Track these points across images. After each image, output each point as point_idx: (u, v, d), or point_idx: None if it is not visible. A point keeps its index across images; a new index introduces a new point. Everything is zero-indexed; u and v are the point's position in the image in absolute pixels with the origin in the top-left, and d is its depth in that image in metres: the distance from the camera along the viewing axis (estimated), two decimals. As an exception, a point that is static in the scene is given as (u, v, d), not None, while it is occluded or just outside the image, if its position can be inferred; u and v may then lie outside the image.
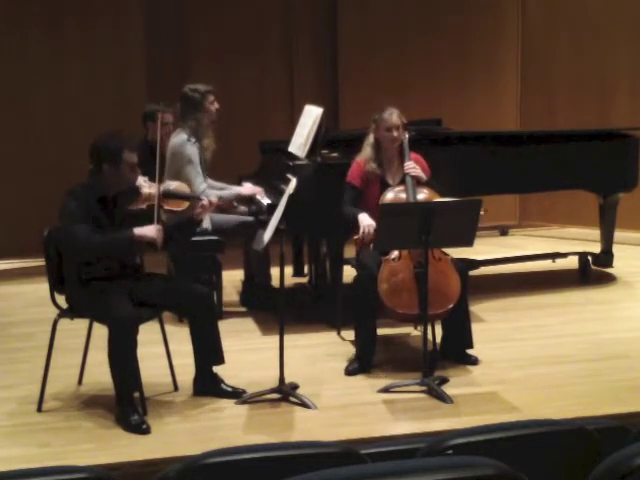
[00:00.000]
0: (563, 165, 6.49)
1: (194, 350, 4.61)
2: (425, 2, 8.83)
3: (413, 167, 5.16)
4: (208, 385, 4.63)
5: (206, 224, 5.78)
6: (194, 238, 5.68)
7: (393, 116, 5.20)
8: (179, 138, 5.86)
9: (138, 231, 4.40)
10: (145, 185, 4.64)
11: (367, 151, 5.28)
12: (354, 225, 5.12)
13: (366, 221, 5.05)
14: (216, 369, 4.65)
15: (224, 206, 5.92)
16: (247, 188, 6.03)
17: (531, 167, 6.45)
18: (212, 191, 5.76)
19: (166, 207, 4.62)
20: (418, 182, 5.17)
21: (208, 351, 4.59)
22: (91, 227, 4.34)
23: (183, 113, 5.89)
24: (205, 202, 4.68)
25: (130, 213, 4.51)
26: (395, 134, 5.20)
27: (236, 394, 4.59)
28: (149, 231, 4.40)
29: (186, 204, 4.68)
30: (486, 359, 5.12)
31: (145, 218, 4.49)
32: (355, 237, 5.12)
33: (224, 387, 4.62)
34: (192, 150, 5.81)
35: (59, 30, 8.12)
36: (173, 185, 4.83)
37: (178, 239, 4.70)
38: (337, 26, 8.75)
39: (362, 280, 4.99)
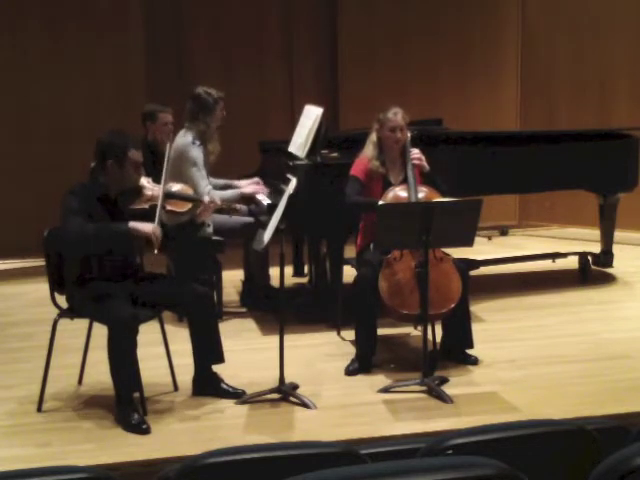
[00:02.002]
0: (563, 165, 6.48)
1: (194, 349, 4.61)
2: (425, 2, 8.83)
3: (418, 156, 5.16)
4: (208, 385, 4.63)
5: (209, 230, 5.79)
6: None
7: (398, 116, 5.20)
8: (184, 139, 5.86)
9: (133, 224, 4.37)
10: (148, 186, 4.64)
11: (370, 149, 5.28)
12: (371, 211, 5.06)
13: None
14: (216, 369, 4.65)
15: (226, 207, 5.92)
16: (249, 187, 6.03)
17: (531, 167, 6.45)
18: (215, 192, 5.77)
19: (168, 208, 4.61)
20: (420, 173, 5.17)
21: (208, 350, 4.59)
22: (86, 220, 4.31)
23: (193, 114, 5.89)
24: (206, 202, 4.67)
25: (132, 213, 4.50)
26: (399, 135, 5.20)
27: (236, 395, 4.59)
28: (145, 226, 4.37)
29: (188, 205, 4.67)
30: (486, 359, 5.12)
31: (147, 218, 4.48)
32: None
33: (224, 387, 4.62)
34: (197, 153, 5.81)
35: (59, 30, 8.13)
36: (176, 187, 4.82)
37: (178, 240, 4.69)
38: (337, 26, 8.76)
39: (362, 280, 4.98)
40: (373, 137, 5.29)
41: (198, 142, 5.85)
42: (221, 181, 6.11)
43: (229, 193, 5.91)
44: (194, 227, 4.77)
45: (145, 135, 6.22)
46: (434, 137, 6.26)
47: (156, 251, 4.41)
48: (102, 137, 4.50)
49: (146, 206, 4.54)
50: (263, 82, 8.71)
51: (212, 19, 8.56)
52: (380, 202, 5.04)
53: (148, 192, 4.58)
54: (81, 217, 4.31)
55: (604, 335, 5.60)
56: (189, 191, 4.87)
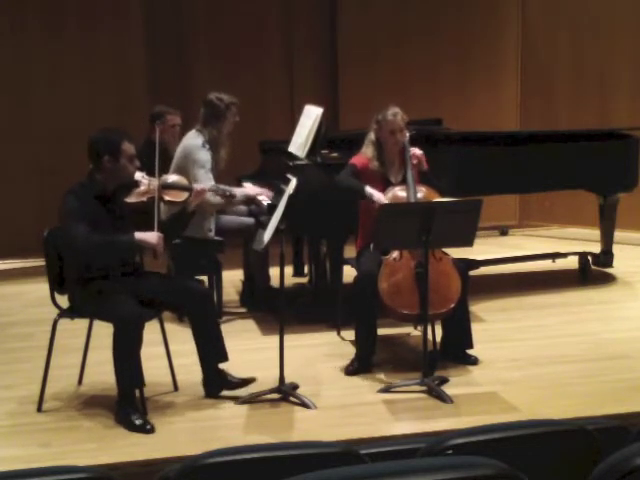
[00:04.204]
0: (563, 165, 6.48)
1: (198, 350, 4.59)
2: (425, 2, 8.83)
3: (418, 155, 5.17)
4: (218, 384, 4.61)
5: (210, 233, 5.80)
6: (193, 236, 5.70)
7: (397, 118, 5.18)
8: (195, 141, 5.85)
9: (139, 235, 4.39)
10: (144, 181, 4.64)
11: (370, 150, 5.27)
12: (355, 195, 5.16)
13: (377, 193, 5.09)
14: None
15: (225, 207, 5.93)
16: (252, 188, 6.04)
17: (531, 167, 6.45)
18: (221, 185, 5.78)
19: (167, 198, 4.62)
20: (418, 172, 5.18)
21: (212, 350, 4.59)
22: (90, 227, 4.33)
23: (205, 119, 5.90)
24: (197, 189, 4.69)
25: (130, 207, 4.51)
26: (399, 137, 5.19)
27: (246, 382, 4.60)
28: (150, 237, 4.39)
29: (186, 195, 4.67)
30: (486, 359, 5.12)
31: (145, 211, 4.49)
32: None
33: (232, 379, 4.62)
34: (205, 156, 5.80)
35: (59, 31, 8.14)
36: (172, 178, 4.83)
37: (172, 234, 4.70)
38: (337, 26, 8.76)
39: (362, 280, 4.98)
40: (372, 136, 5.28)
41: (208, 146, 5.85)
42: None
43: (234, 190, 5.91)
44: (186, 216, 4.76)
45: (150, 135, 6.24)
46: (434, 137, 6.27)
47: (159, 258, 4.44)
48: (93, 136, 4.51)
49: (144, 199, 4.54)
50: (263, 82, 8.71)
51: (212, 19, 8.56)
52: (366, 187, 5.09)
53: (143, 186, 4.59)
54: (84, 222, 4.32)
55: (604, 335, 5.60)
56: (184, 181, 4.87)
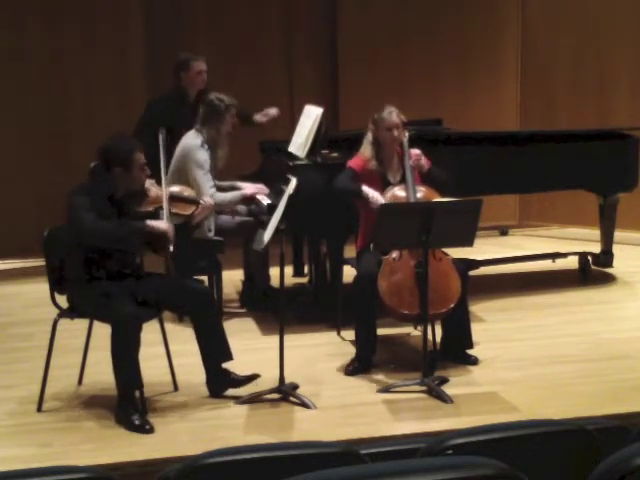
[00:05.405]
0: (563, 165, 6.48)
1: (201, 349, 4.59)
2: (425, 2, 8.82)
3: (416, 157, 5.17)
4: (222, 383, 4.61)
5: (210, 234, 5.80)
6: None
7: (393, 115, 5.20)
8: (194, 141, 5.85)
9: (149, 222, 4.42)
10: (153, 189, 4.65)
11: (368, 150, 5.28)
12: (353, 198, 5.19)
13: (374, 193, 5.09)
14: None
15: (227, 208, 5.93)
16: (250, 188, 6.04)
17: (531, 167, 6.44)
18: (218, 195, 5.77)
19: (173, 210, 4.63)
20: (419, 173, 5.18)
21: (215, 348, 4.58)
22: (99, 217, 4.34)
23: (204, 118, 5.91)
24: (203, 204, 4.70)
25: (138, 215, 4.51)
26: (395, 133, 5.20)
27: (251, 379, 4.60)
28: (160, 224, 4.44)
29: (193, 207, 4.68)
30: (486, 359, 5.12)
31: (153, 220, 4.49)
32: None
33: (237, 377, 4.61)
34: (204, 156, 5.81)
35: (59, 30, 8.12)
36: (176, 188, 4.83)
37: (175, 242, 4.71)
38: (337, 26, 8.75)
39: (362, 280, 4.98)
40: (369, 137, 5.29)
41: (207, 146, 5.86)
42: (225, 183, 6.11)
43: (230, 195, 5.91)
44: (189, 229, 4.78)
45: (177, 84, 6.28)
46: (434, 137, 6.26)
47: (172, 247, 4.44)
48: (106, 144, 4.51)
49: (151, 209, 4.56)
50: (263, 82, 8.70)
51: (212, 19, 8.56)
52: (363, 188, 5.09)
53: (153, 193, 4.60)
54: (93, 214, 4.32)
55: (604, 335, 5.60)
56: (191, 192, 4.89)
